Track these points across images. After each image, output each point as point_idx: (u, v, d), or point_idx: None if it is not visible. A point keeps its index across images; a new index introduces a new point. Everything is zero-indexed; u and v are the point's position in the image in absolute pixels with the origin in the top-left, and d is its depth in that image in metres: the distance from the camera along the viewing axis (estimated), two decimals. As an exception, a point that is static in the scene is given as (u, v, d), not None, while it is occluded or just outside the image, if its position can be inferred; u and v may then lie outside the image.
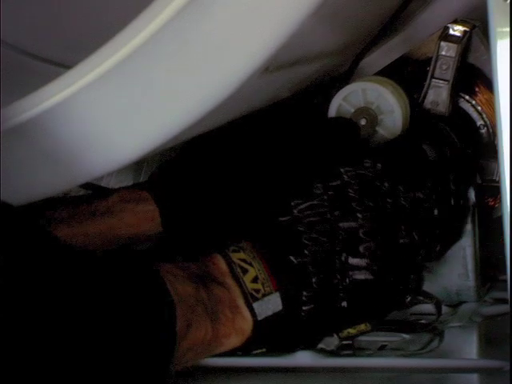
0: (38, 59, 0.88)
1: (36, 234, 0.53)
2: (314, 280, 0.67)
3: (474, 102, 0.91)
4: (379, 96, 0.83)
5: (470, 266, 0.88)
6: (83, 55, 0.61)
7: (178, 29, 0.59)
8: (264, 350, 0.70)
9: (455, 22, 0.88)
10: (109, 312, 0.54)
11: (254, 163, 0.75)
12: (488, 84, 0.90)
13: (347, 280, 0.68)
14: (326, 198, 0.70)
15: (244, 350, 0.68)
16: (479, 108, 0.91)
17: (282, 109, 0.84)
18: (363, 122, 0.82)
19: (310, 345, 0.73)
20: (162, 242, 0.74)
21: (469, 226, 0.88)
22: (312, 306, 0.68)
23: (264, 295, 0.67)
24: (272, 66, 0.64)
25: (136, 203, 0.71)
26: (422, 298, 0.82)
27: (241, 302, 0.66)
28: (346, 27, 0.78)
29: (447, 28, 0.88)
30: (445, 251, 0.80)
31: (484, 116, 0.91)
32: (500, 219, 0.89)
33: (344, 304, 0.69)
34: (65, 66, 0.77)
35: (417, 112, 0.87)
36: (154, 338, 0.56)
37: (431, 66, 0.88)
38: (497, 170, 0.88)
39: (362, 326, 0.72)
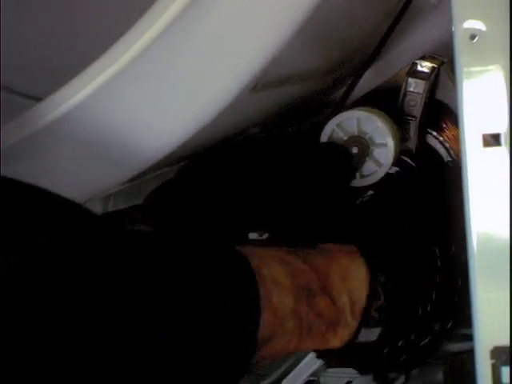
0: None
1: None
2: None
3: (441, 139, 0.91)
4: (374, 127, 0.83)
5: (437, 302, 0.88)
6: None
7: (165, 47, 0.59)
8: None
9: (423, 57, 0.89)
10: (195, 307, 0.52)
11: (246, 188, 0.75)
12: (456, 120, 0.90)
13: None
14: None
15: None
16: (447, 144, 0.91)
17: (274, 134, 0.84)
18: (355, 150, 0.82)
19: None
20: None
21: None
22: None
23: (374, 326, 0.67)
24: (260, 84, 0.64)
25: (132, 226, 0.71)
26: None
27: (353, 323, 0.66)
28: (332, 48, 0.78)
29: (415, 64, 0.88)
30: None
31: (451, 152, 0.91)
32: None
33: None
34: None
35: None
36: (234, 343, 0.55)
37: (399, 102, 0.88)
38: (463, 207, 0.88)
39: None
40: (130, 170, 0.66)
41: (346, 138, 0.83)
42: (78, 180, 0.65)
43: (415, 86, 0.88)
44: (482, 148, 0.61)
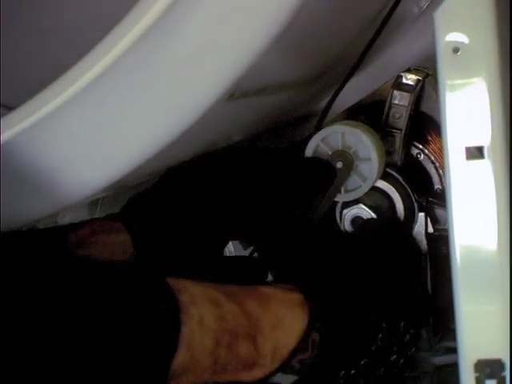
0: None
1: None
2: None
3: (426, 151, 0.91)
4: (358, 142, 0.83)
5: (422, 315, 0.88)
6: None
7: (139, 55, 0.58)
8: None
9: (408, 70, 0.89)
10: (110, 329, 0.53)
11: (227, 200, 0.75)
12: (441, 133, 0.90)
13: None
14: None
15: None
16: (432, 157, 0.91)
17: (257, 147, 0.83)
18: (339, 165, 0.82)
19: None
20: None
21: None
22: None
23: (291, 373, 0.66)
24: (237, 93, 0.63)
25: (108, 234, 0.70)
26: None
27: (270, 367, 0.64)
28: (311, 58, 0.78)
29: (400, 77, 0.88)
30: None
31: (437, 165, 0.91)
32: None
33: None
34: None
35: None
36: (143, 375, 0.55)
37: (384, 115, 0.88)
38: (448, 219, 0.88)
39: None
40: (92, 187, 0.66)
41: (330, 153, 0.83)
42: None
43: (400, 99, 0.88)
44: (466, 161, 0.61)
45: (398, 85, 0.88)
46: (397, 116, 0.88)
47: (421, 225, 0.88)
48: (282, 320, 0.65)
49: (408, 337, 0.72)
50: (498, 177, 0.60)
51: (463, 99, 0.60)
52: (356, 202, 0.86)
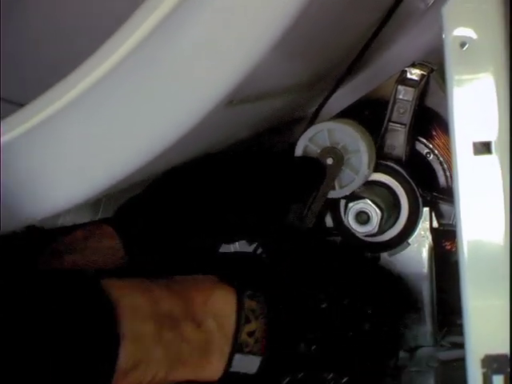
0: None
1: None
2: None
3: (431, 146, 0.91)
4: (345, 135, 0.83)
5: (427, 310, 0.88)
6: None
7: (139, 60, 0.58)
8: None
9: (413, 65, 0.88)
10: (50, 332, 0.54)
11: (219, 202, 0.75)
12: (445, 128, 0.90)
13: None
14: None
15: None
16: (436, 152, 0.91)
17: (249, 149, 0.83)
18: (330, 161, 0.82)
19: None
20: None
21: (425, 271, 0.88)
22: None
23: (249, 352, 0.66)
24: (236, 99, 0.63)
25: (99, 239, 0.70)
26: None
27: (225, 348, 0.65)
28: (309, 63, 0.77)
29: (404, 71, 0.88)
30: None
31: (441, 159, 0.91)
32: (457, 263, 0.90)
33: None
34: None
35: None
36: (91, 370, 0.56)
37: (388, 110, 0.88)
38: (453, 214, 0.88)
39: None
40: (90, 189, 0.66)
41: (319, 151, 0.83)
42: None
43: (404, 94, 0.87)
44: (473, 156, 0.60)
45: (403, 80, 0.88)
46: (401, 111, 0.88)
47: (425, 219, 0.88)
48: (212, 293, 0.66)
49: (363, 315, 0.73)
50: (505, 172, 0.60)
51: (471, 94, 0.60)
52: (360, 196, 0.86)
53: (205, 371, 0.65)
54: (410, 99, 0.87)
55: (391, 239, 0.89)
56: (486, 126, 0.60)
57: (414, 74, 0.88)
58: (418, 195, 0.88)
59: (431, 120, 0.91)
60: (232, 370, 0.66)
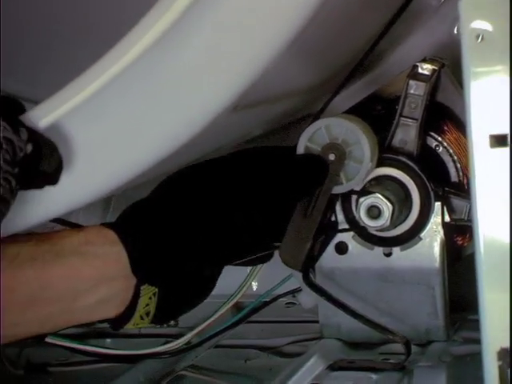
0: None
1: None
2: None
3: (442, 140, 0.91)
4: (343, 129, 0.82)
5: (439, 305, 0.89)
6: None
7: (146, 67, 0.58)
8: None
9: (424, 60, 0.89)
10: None
11: (224, 206, 0.74)
12: (457, 123, 0.90)
13: None
14: None
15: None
16: (447, 146, 0.91)
17: (253, 150, 0.83)
18: (332, 157, 0.82)
19: None
20: None
21: (437, 265, 0.88)
22: None
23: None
24: (241, 105, 0.63)
25: (101, 245, 0.68)
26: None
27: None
28: (313, 69, 0.78)
29: (416, 66, 0.88)
30: None
31: (452, 154, 0.91)
32: (469, 258, 0.90)
33: None
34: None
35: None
36: None
37: (400, 105, 0.88)
38: (465, 209, 0.88)
39: None
40: (96, 190, 0.66)
41: (320, 149, 0.83)
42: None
43: (416, 88, 0.87)
44: (489, 149, 0.60)
45: (414, 74, 0.88)
46: (412, 106, 0.88)
47: (437, 214, 0.88)
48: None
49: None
50: (521, 164, 0.60)
51: (487, 87, 0.60)
52: (371, 191, 0.86)
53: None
54: (422, 94, 0.87)
55: (403, 234, 0.89)
56: (502, 118, 0.60)
57: (426, 68, 0.88)
58: (430, 189, 0.88)
59: (443, 115, 0.91)
60: None
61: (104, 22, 0.84)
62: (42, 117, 0.59)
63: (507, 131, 0.60)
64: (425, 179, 0.88)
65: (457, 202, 0.89)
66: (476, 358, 0.67)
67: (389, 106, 0.92)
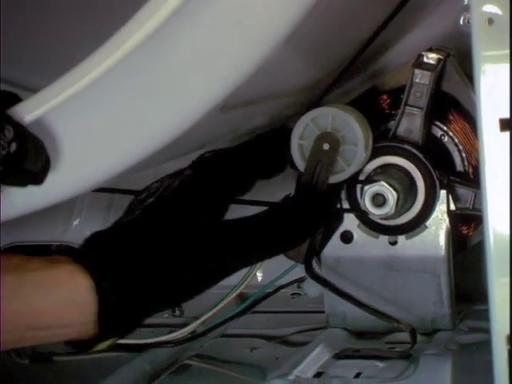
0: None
1: None
2: None
3: (447, 129, 0.91)
4: (329, 117, 0.82)
5: (445, 293, 0.89)
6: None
7: (133, 65, 0.58)
8: None
9: (430, 49, 0.89)
10: None
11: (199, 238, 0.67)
12: (462, 112, 0.90)
13: None
14: None
15: None
16: (452, 135, 0.91)
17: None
18: (326, 146, 0.82)
19: None
20: None
21: (443, 254, 0.88)
22: None
23: None
24: (228, 106, 0.63)
25: (71, 290, 0.60)
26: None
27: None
28: (309, 67, 0.77)
29: (421, 55, 0.88)
30: None
31: (458, 144, 0.91)
32: (475, 247, 0.90)
33: None
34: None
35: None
36: None
37: (405, 93, 0.88)
38: (470, 198, 0.88)
39: None
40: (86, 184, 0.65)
41: (318, 133, 0.82)
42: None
43: (421, 77, 0.88)
44: (499, 132, 0.60)
45: (419, 63, 0.88)
46: (418, 95, 0.88)
47: (442, 202, 0.88)
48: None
49: None
50: (531, 148, 0.60)
51: (497, 70, 0.60)
52: (376, 180, 0.86)
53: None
54: (427, 83, 0.87)
55: (408, 222, 0.89)
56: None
57: (431, 58, 0.88)
58: (435, 178, 0.88)
59: (448, 105, 0.91)
60: None
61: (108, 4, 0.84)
62: (29, 111, 0.59)
63: (517, 115, 0.60)
64: (430, 167, 0.88)
65: (462, 191, 0.89)
66: (482, 347, 0.67)
67: (393, 96, 0.92)
